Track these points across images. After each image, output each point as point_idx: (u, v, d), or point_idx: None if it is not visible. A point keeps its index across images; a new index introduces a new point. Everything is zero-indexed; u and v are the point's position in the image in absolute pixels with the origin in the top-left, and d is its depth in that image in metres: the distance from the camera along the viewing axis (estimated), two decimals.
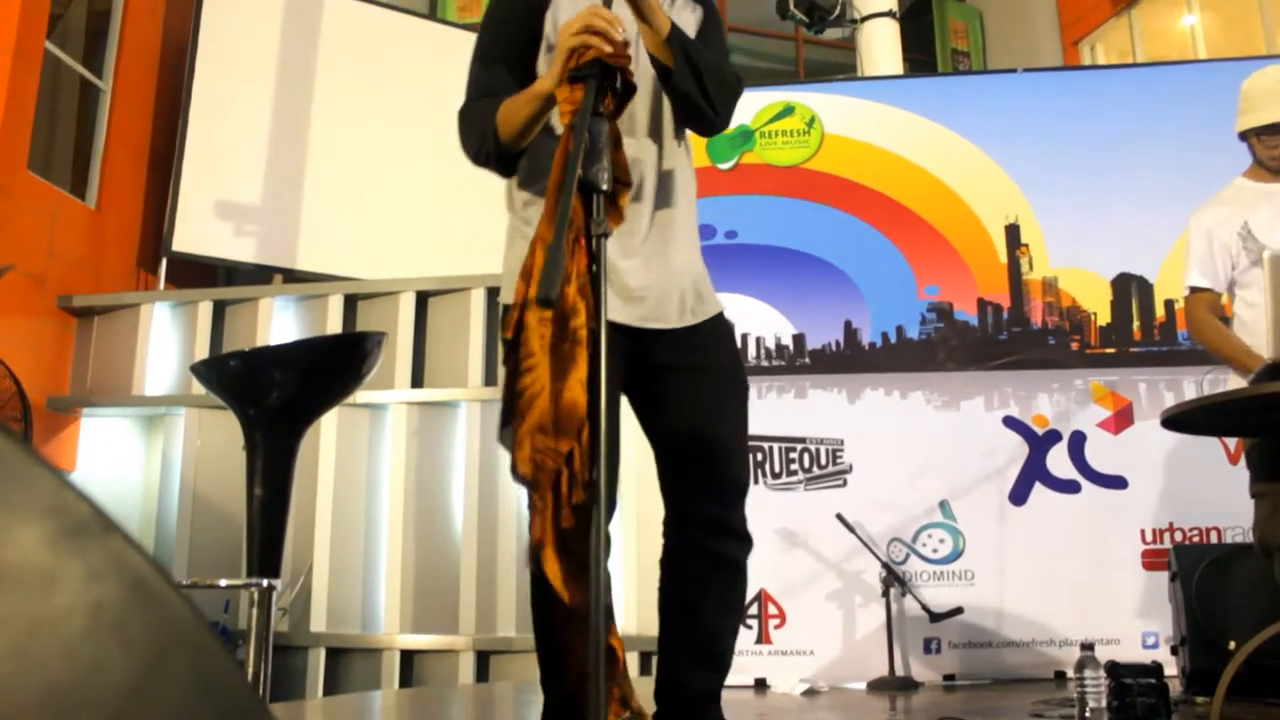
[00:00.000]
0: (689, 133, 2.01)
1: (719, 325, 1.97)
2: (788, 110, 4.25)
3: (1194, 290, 2.99)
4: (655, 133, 1.93)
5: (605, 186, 1.49)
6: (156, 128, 5.80)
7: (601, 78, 1.62)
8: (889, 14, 4.94)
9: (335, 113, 5.80)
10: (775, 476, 3.96)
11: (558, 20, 1.91)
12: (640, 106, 1.90)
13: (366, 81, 5.85)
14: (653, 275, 1.87)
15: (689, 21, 2.01)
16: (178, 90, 5.67)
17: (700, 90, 1.84)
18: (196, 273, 5.73)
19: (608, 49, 1.64)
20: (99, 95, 5.48)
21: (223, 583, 4.37)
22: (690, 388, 1.89)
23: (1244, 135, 3.01)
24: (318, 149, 5.72)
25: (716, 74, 1.88)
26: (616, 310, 1.82)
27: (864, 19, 4.97)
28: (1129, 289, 4.03)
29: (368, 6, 6.10)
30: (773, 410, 4.00)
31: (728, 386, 1.93)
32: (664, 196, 1.91)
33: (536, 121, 1.82)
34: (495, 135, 1.84)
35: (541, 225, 1.63)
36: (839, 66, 7.23)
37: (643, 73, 1.89)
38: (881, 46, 4.93)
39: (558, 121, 1.80)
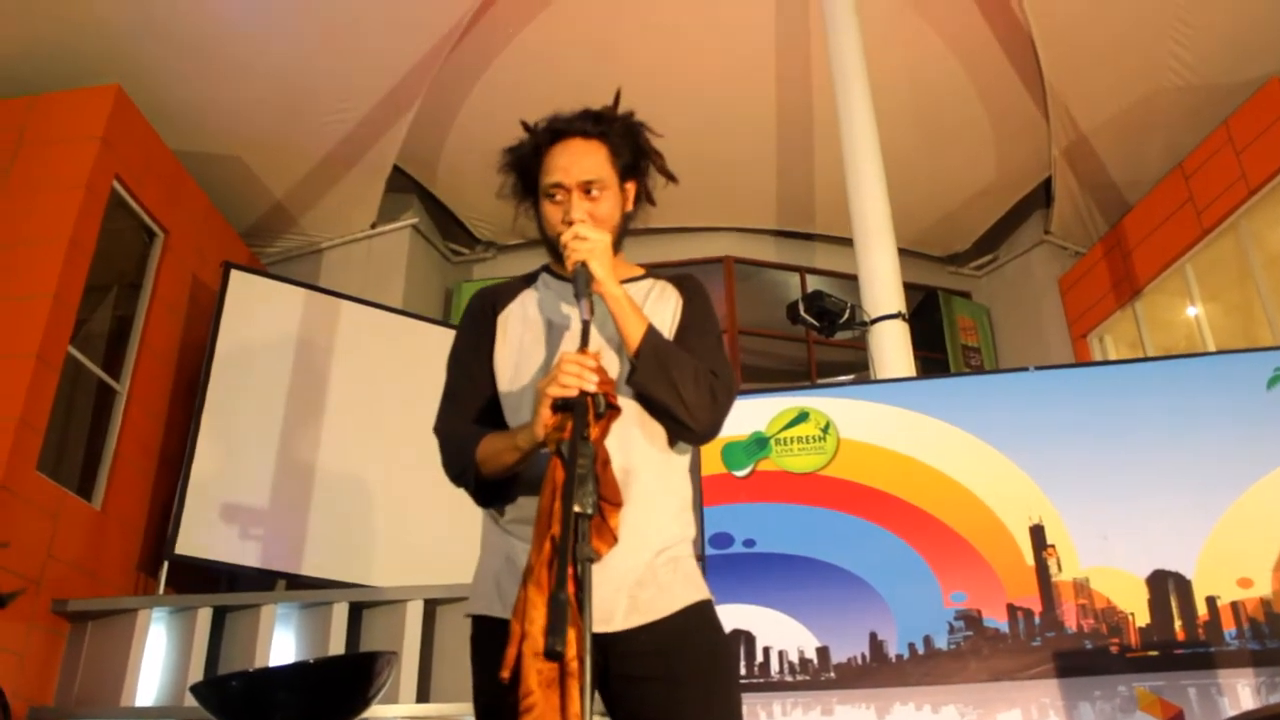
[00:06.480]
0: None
1: (690, 621, 1.76)
2: (802, 416, 4.25)
3: None
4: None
5: (589, 511, 1.48)
6: (169, 430, 5.83)
7: (586, 406, 1.62)
8: (898, 315, 5.06)
9: (346, 416, 5.85)
10: None
11: (508, 324, 1.97)
12: None
13: (379, 385, 5.93)
14: (600, 574, 1.66)
15: (665, 315, 1.94)
16: (192, 393, 5.75)
17: (675, 397, 1.77)
18: (198, 576, 5.60)
19: (588, 388, 1.63)
20: (115, 397, 5.54)
21: None
22: (650, 700, 1.68)
23: None
24: (327, 452, 5.72)
25: (694, 380, 1.79)
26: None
27: (873, 321, 5.08)
28: (1166, 586, 3.88)
29: (383, 313, 6.27)
30: None
31: (700, 694, 1.69)
32: None
33: (516, 467, 1.77)
34: (476, 470, 1.81)
35: (531, 554, 1.56)
36: (851, 365, 7.38)
37: (608, 362, 1.83)
38: (892, 347, 5.02)
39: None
